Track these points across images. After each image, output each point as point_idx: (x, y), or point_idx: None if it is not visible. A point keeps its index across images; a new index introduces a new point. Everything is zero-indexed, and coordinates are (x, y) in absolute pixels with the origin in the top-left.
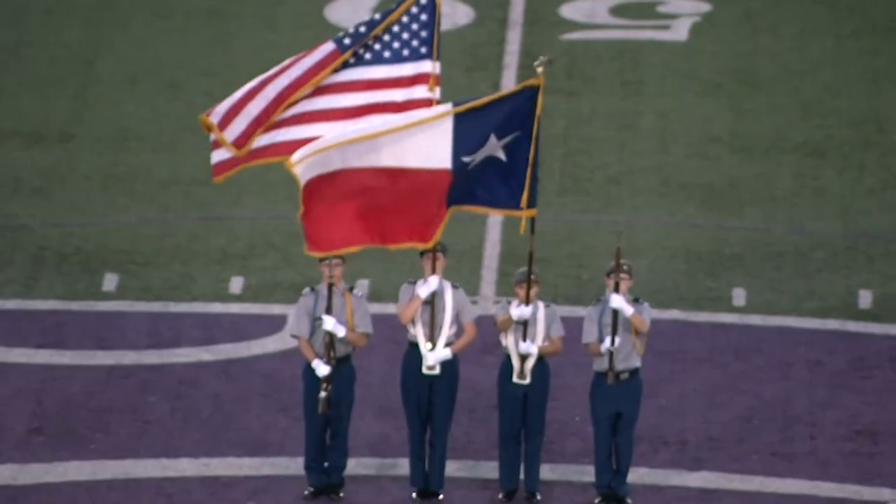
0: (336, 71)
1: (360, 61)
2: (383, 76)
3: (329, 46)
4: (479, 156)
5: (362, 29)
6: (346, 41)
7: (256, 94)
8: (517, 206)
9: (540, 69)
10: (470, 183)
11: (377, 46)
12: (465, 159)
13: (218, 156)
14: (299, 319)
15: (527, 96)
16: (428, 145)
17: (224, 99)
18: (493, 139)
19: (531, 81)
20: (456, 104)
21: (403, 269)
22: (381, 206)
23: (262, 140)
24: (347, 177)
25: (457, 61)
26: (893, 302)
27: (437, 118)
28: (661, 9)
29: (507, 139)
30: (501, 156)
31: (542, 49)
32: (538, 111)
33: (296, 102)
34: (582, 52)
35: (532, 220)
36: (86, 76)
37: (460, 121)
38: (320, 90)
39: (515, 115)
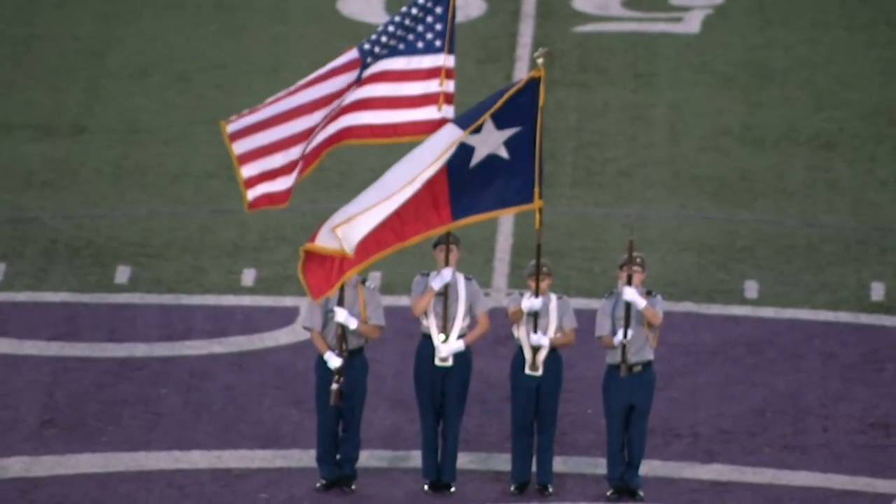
0: (358, 82)
1: (375, 58)
2: (398, 68)
3: (354, 71)
4: (481, 152)
5: (383, 38)
6: (367, 49)
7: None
8: (527, 201)
9: (540, 60)
10: (475, 189)
11: (391, 41)
12: (464, 142)
13: (254, 192)
14: (312, 311)
15: (528, 89)
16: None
17: (250, 124)
18: (490, 125)
19: (532, 74)
20: (460, 124)
21: (416, 261)
22: (391, 217)
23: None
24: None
25: (469, 54)
26: None
27: (444, 153)
28: (674, 1)
29: (509, 134)
30: (503, 153)
31: (554, 41)
32: (541, 102)
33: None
34: (594, 44)
35: (539, 212)
36: (96, 69)
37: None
38: (340, 94)
39: (517, 109)
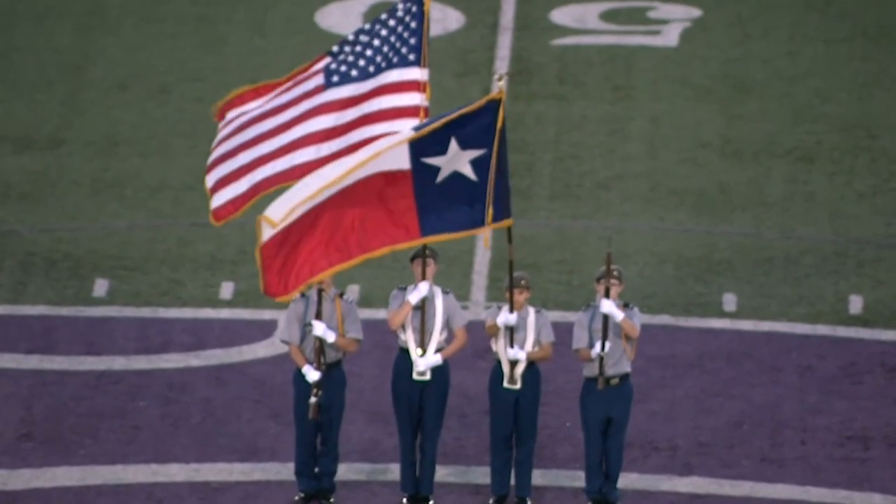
0: (326, 89)
1: (347, 78)
2: (372, 86)
3: (320, 79)
4: (447, 169)
5: (350, 37)
6: (338, 57)
7: (254, 145)
8: (483, 223)
9: (500, 83)
10: (441, 207)
11: (364, 60)
12: (426, 161)
13: (218, 199)
14: (289, 325)
15: (489, 109)
16: (385, 157)
17: (219, 149)
18: (454, 145)
19: (493, 95)
20: (416, 128)
21: (394, 274)
22: (347, 223)
23: (259, 174)
24: (312, 213)
25: (447, 66)
26: (883, 307)
27: (395, 145)
28: (652, 14)
29: (473, 155)
30: (470, 173)
31: (532, 54)
32: (499, 124)
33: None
34: (572, 57)
35: (509, 230)
36: (76, 81)
37: (419, 136)
38: (310, 113)
39: (479, 129)
